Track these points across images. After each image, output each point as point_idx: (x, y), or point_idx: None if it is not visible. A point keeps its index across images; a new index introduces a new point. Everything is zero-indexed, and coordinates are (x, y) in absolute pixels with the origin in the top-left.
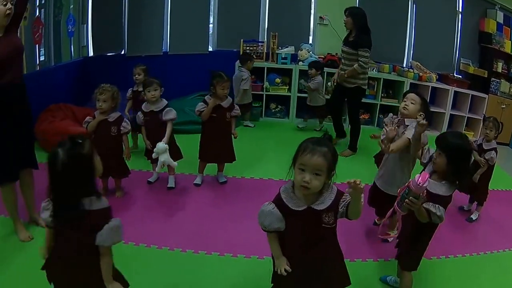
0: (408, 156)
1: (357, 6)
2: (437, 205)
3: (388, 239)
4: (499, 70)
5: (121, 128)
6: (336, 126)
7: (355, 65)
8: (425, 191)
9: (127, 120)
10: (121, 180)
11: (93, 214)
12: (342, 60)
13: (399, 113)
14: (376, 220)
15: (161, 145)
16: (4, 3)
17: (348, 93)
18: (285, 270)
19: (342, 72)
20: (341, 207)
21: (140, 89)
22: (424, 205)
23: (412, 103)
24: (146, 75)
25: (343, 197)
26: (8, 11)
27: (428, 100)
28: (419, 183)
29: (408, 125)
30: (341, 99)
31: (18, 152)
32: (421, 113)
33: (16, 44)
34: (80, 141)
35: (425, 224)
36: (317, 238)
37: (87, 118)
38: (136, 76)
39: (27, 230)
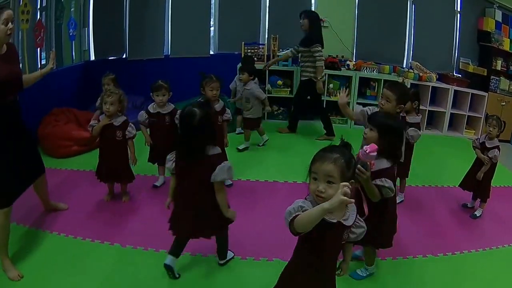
0: None
1: (312, 9)
2: (383, 178)
3: None
4: (499, 68)
5: (127, 132)
6: (293, 119)
7: (317, 64)
8: (373, 162)
9: (132, 125)
10: (127, 184)
11: (211, 157)
12: (300, 59)
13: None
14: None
15: None
16: (5, 22)
17: (301, 85)
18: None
19: (307, 76)
20: (352, 234)
21: None
22: (373, 183)
23: (387, 101)
24: (116, 85)
25: (357, 219)
26: (9, 31)
27: (428, 100)
28: (367, 150)
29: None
30: (300, 94)
31: (30, 165)
32: (401, 105)
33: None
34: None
35: (381, 204)
36: (336, 254)
37: (92, 121)
38: (106, 86)
39: (16, 268)
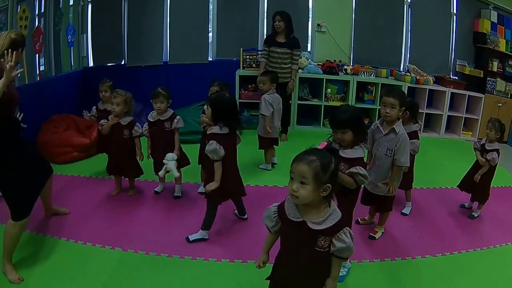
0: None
1: (285, 11)
2: (357, 167)
3: (375, 236)
4: (495, 69)
5: (133, 131)
6: (284, 123)
7: (294, 67)
8: (344, 158)
9: (138, 125)
10: (134, 179)
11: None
12: (272, 59)
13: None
14: (359, 219)
15: (171, 155)
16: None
17: (285, 87)
18: (259, 266)
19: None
20: (333, 246)
21: (109, 108)
22: (347, 171)
23: (393, 108)
24: (112, 92)
25: (343, 230)
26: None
27: (425, 103)
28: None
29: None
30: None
31: (39, 169)
32: (402, 108)
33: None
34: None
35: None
36: (306, 257)
37: (102, 121)
38: (103, 93)
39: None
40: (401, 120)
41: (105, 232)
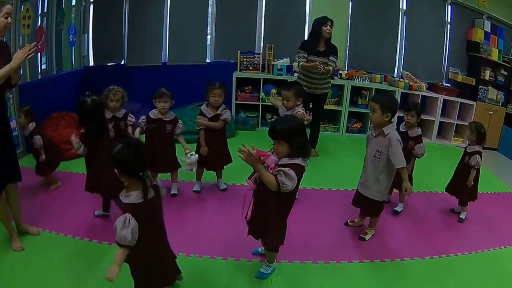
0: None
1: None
2: (287, 168)
3: (365, 237)
4: (487, 77)
5: (127, 121)
6: (313, 137)
7: (330, 68)
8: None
9: (131, 115)
10: None
11: None
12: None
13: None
14: (348, 221)
15: (194, 157)
16: (6, 16)
17: (322, 98)
18: None
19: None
20: None
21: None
22: (274, 171)
23: (374, 111)
24: (27, 117)
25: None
26: (8, 25)
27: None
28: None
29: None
30: (317, 107)
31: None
32: (388, 114)
33: None
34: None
35: (278, 204)
36: None
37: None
38: (19, 119)
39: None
40: (393, 124)
41: (102, 229)
